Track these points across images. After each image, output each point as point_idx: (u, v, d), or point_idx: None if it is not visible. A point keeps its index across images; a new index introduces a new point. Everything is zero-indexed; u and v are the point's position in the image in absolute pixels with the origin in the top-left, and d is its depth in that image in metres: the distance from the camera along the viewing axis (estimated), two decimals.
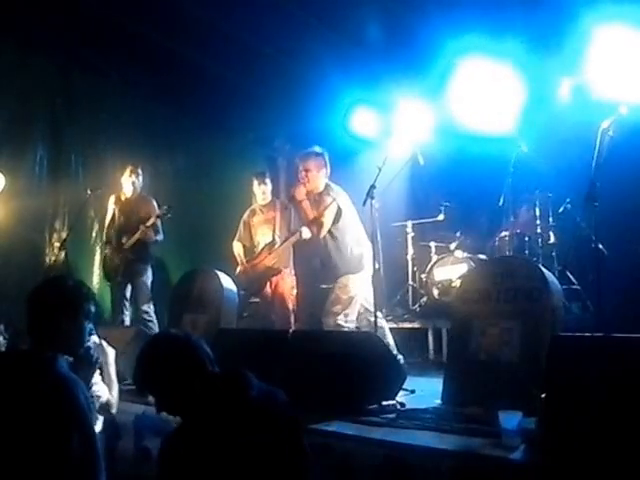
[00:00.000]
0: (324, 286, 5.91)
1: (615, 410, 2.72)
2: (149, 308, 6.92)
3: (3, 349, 5.29)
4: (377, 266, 5.69)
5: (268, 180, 6.93)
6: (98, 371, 3.48)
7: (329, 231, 5.72)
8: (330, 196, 5.70)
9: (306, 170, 5.79)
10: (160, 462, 2.43)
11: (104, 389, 3.59)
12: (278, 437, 2.45)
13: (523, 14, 6.18)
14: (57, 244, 7.35)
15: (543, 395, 3.01)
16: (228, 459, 2.34)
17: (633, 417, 2.67)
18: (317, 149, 5.92)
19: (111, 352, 3.96)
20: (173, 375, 2.50)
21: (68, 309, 2.64)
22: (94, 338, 3.72)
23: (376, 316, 5.45)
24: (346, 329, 5.51)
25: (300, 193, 5.81)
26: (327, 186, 5.83)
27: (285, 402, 2.56)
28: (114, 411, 3.71)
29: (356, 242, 5.76)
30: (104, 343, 3.77)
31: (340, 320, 5.55)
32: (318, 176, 5.80)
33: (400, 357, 5.16)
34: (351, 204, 5.83)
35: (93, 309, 2.76)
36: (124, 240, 6.90)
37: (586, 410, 2.79)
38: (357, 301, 5.66)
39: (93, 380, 3.41)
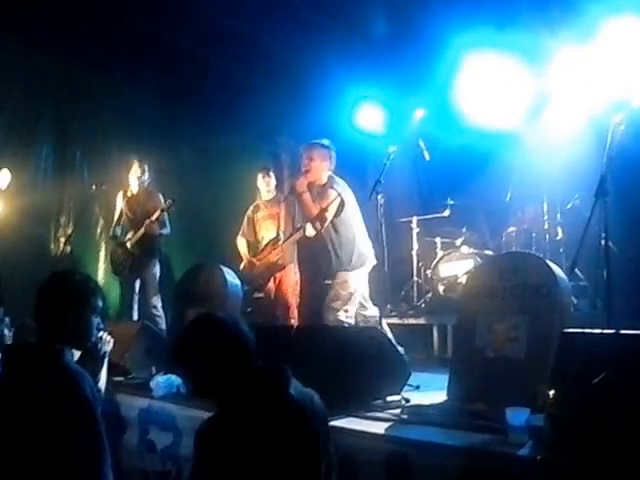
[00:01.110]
0: (328, 282, 5.87)
1: (623, 407, 2.68)
2: (157, 302, 6.95)
3: (9, 342, 5.31)
4: (377, 262, 5.65)
5: (272, 174, 6.93)
6: None
7: (331, 222, 5.64)
8: (333, 189, 5.60)
9: (309, 159, 5.68)
10: (198, 450, 2.38)
11: None
12: (313, 437, 2.44)
13: (530, 6, 6.13)
14: (62, 239, 7.39)
15: (551, 392, 2.97)
16: (262, 454, 2.31)
17: None
18: (324, 141, 5.83)
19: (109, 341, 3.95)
20: (213, 357, 2.47)
21: (75, 303, 2.67)
22: None
23: (381, 314, 5.42)
24: (346, 325, 5.48)
25: (301, 185, 5.71)
26: (330, 178, 5.71)
27: (320, 403, 2.55)
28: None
29: (358, 237, 5.69)
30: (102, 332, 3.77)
31: (340, 316, 5.50)
32: (321, 167, 5.68)
33: (400, 349, 5.11)
34: (354, 199, 5.77)
35: (100, 304, 2.77)
36: (130, 235, 6.92)
37: (594, 407, 2.76)
38: (357, 297, 5.61)
39: None
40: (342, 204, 5.61)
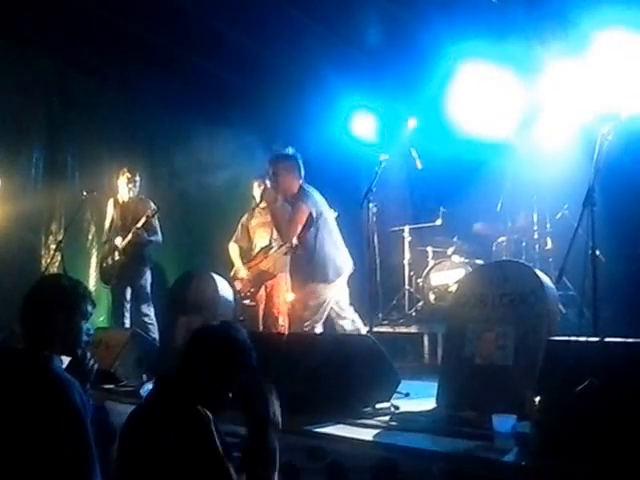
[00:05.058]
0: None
1: (609, 414, 2.70)
2: (149, 311, 6.91)
3: None
4: (353, 269, 5.60)
5: (269, 183, 6.92)
6: None
7: (303, 235, 5.50)
8: (303, 202, 5.45)
9: (275, 174, 5.54)
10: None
11: None
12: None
13: (523, 18, 6.19)
14: (53, 246, 7.33)
15: (537, 398, 2.99)
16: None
17: (627, 422, 2.66)
18: (288, 151, 5.65)
19: None
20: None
21: (64, 307, 2.59)
22: None
23: (372, 324, 5.40)
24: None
25: (269, 195, 5.67)
26: (301, 189, 5.55)
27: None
28: None
29: (332, 249, 5.55)
30: None
31: (307, 327, 5.38)
32: (288, 179, 5.51)
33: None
34: (328, 209, 5.64)
35: (90, 309, 2.69)
36: (118, 242, 6.89)
37: (580, 414, 2.78)
38: (326, 307, 5.48)
39: None
40: (311, 216, 5.45)
